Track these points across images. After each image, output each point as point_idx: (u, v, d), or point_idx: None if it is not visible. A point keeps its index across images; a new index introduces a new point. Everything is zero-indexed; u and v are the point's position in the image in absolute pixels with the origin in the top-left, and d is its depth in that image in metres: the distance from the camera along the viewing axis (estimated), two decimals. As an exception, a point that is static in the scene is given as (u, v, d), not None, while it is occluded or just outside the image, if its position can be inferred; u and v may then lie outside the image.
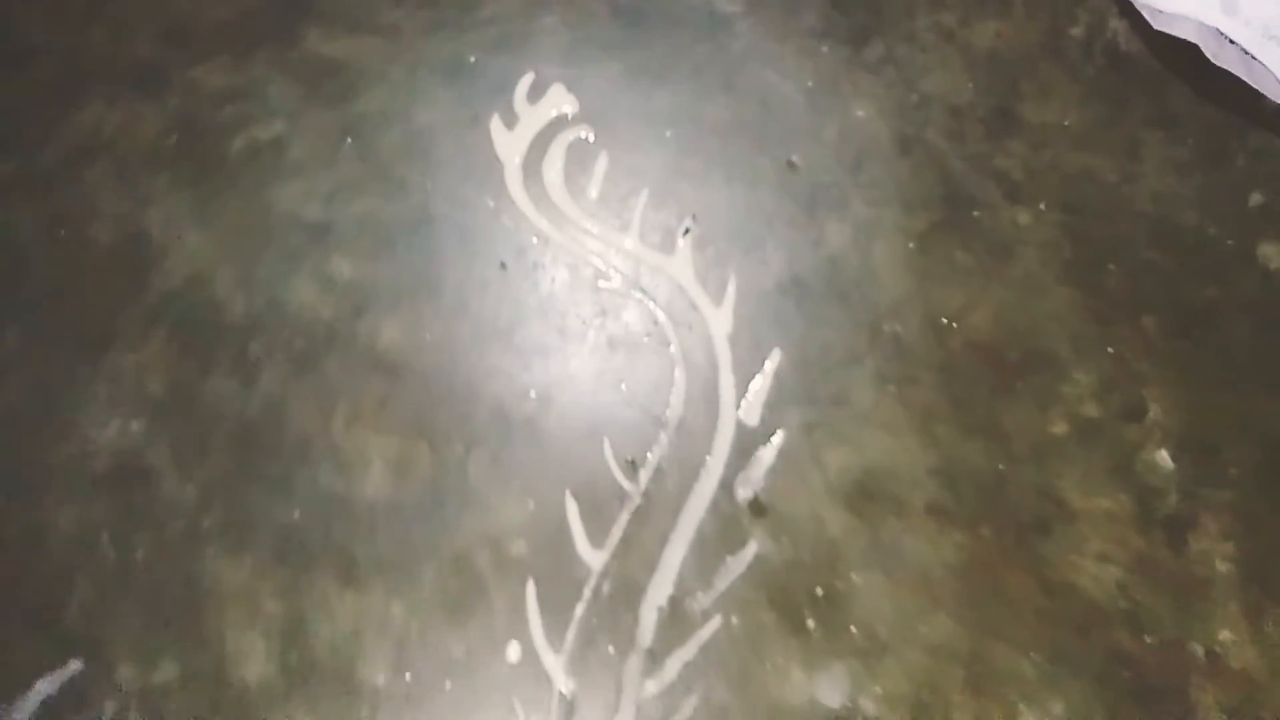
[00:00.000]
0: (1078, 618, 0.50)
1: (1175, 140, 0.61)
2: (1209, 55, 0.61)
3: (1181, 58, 0.61)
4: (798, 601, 0.50)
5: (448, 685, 0.49)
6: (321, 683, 0.48)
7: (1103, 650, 0.49)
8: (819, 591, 0.50)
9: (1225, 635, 0.49)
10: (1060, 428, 0.54)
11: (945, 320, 0.56)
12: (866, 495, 0.52)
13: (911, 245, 0.57)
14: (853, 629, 0.50)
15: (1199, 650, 0.49)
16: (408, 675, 0.49)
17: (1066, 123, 0.61)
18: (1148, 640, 0.50)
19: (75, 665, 0.48)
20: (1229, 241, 0.59)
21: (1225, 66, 0.61)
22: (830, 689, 0.49)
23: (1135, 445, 0.52)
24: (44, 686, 0.48)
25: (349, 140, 0.59)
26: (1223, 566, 0.50)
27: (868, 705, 0.48)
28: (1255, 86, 0.60)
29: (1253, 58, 0.60)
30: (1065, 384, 0.54)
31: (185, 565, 0.50)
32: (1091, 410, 0.53)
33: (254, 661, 0.49)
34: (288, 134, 0.59)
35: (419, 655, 0.49)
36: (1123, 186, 0.60)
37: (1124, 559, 0.51)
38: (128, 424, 0.53)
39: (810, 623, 0.50)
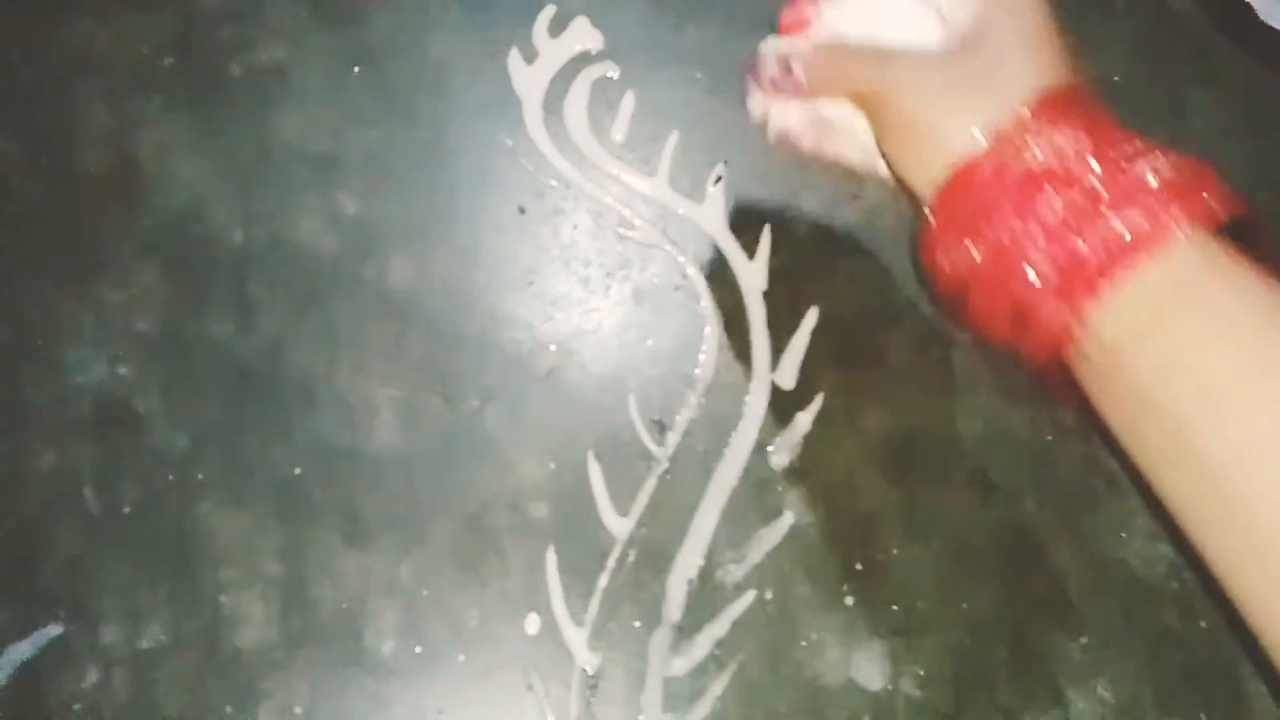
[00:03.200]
0: (1125, 597, 0.46)
1: (1223, 101, 0.56)
2: (1260, 13, 0.56)
3: (1231, 15, 0.55)
4: (835, 575, 0.46)
5: (460, 658, 0.43)
6: (323, 650, 0.43)
7: (1152, 631, 0.45)
8: (858, 565, 0.46)
9: (1279, 619, 0.45)
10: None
11: (989, 281, 0.50)
12: (907, 463, 0.48)
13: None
14: (893, 605, 0.45)
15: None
16: (417, 646, 0.43)
17: (1116, 78, 0.55)
18: (1200, 624, 0.45)
19: (55, 628, 0.42)
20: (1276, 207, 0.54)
21: (1276, 25, 0.56)
22: (869, 669, 0.44)
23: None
24: (21, 650, 0.42)
25: (357, 68, 0.52)
26: None
27: (908, 686, 0.44)
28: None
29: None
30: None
31: (176, 520, 0.45)
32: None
33: (250, 625, 0.43)
34: (291, 59, 0.53)
35: (429, 623, 0.44)
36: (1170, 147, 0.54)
37: (1175, 537, 0.47)
38: (114, 365, 0.47)
39: (849, 598, 0.45)
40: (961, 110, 0.31)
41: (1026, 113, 0.30)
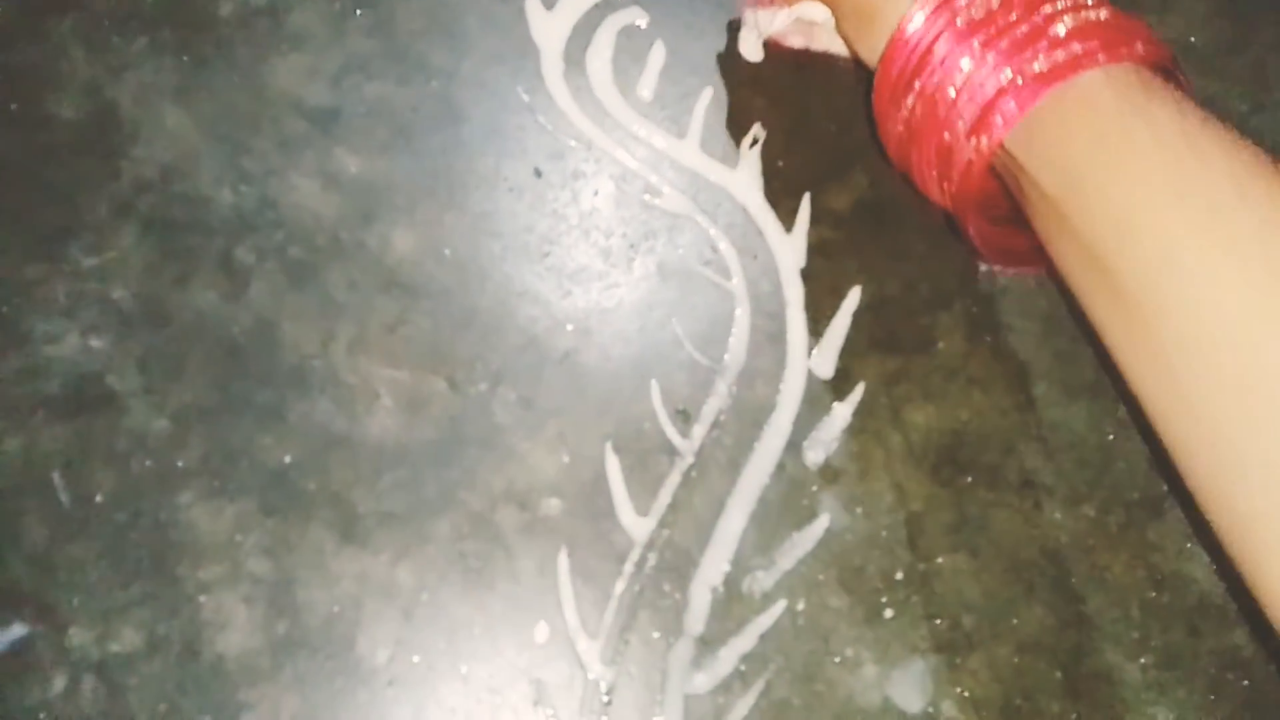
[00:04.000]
0: (1190, 615, 0.42)
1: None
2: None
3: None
4: (874, 585, 0.41)
5: (463, 669, 0.39)
6: (313, 658, 0.39)
7: (1216, 653, 0.41)
8: (898, 575, 0.41)
9: (1356, 643, 0.41)
10: (1176, 394, 0.44)
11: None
12: (954, 463, 0.43)
13: (1012, 172, 0.46)
14: (936, 620, 0.41)
15: (1324, 659, 0.41)
16: (415, 656, 0.39)
17: (1193, 39, 0.50)
18: (1270, 645, 0.41)
19: (19, 629, 0.38)
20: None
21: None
22: (908, 689, 0.40)
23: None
24: (-20, 651, 0.38)
25: (359, 11, 0.47)
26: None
27: (951, 710, 0.40)
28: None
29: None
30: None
31: (154, 512, 0.41)
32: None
33: (233, 630, 0.39)
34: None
35: (429, 630, 0.40)
36: (1252, 117, 0.49)
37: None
38: (87, 338, 0.42)
39: (888, 611, 0.41)
40: None
41: None
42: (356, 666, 0.39)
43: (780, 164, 0.47)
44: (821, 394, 0.44)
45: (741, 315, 0.45)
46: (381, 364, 0.43)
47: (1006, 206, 0.37)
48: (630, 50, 0.49)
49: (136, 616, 0.39)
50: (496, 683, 0.39)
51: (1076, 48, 0.30)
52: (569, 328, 0.44)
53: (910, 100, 0.34)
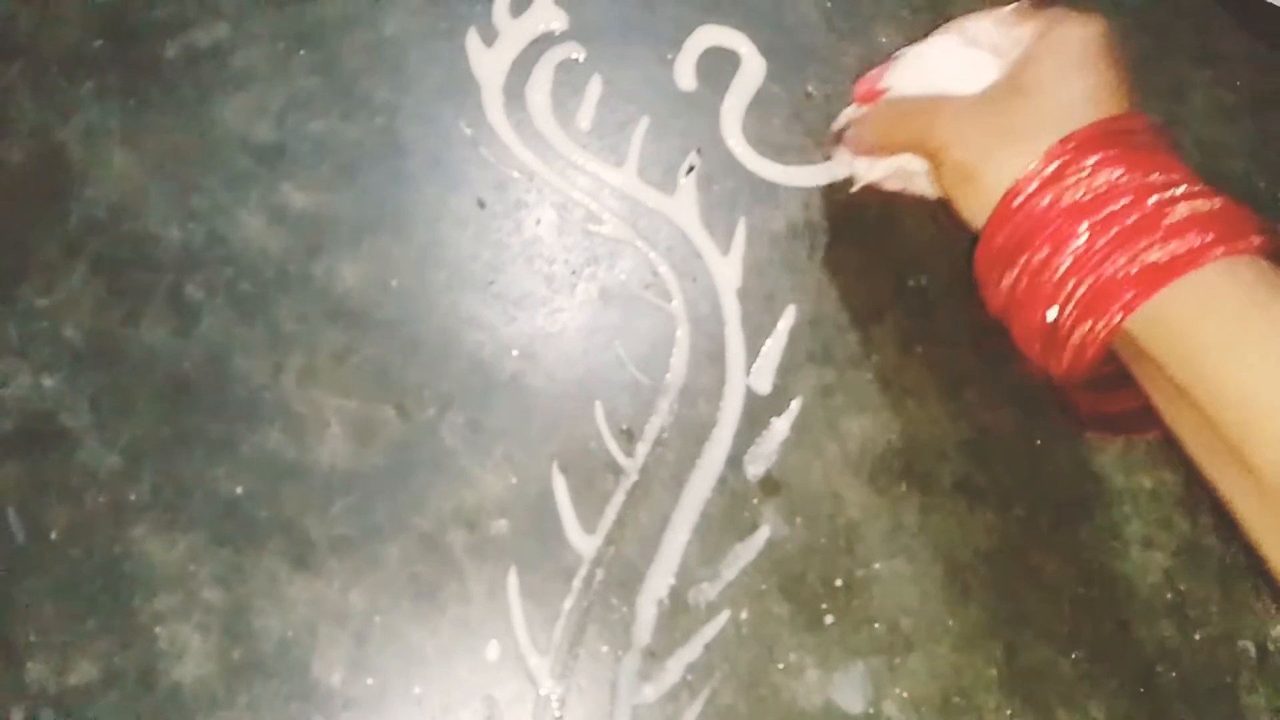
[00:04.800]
0: (1120, 610, 0.43)
1: (1223, 81, 0.53)
2: (1262, -12, 0.53)
3: (1233, -12, 0.52)
4: (814, 592, 0.42)
5: (416, 689, 0.40)
6: (268, 683, 0.39)
7: (1147, 646, 0.43)
8: (838, 581, 0.42)
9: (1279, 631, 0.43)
10: (1101, 398, 0.46)
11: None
12: (890, 470, 0.44)
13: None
14: (875, 623, 0.42)
15: (1250, 647, 0.43)
16: (369, 678, 0.40)
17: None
18: (1195, 636, 0.42)
19: (-26, 665, 0.38)
20: (1279, 194, 0.51)
21: (1277, 3, 0.52)
22: (850, 691, 0.41)
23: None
24: (-64, 689, 0.38)
25: (303, 50, 0.48)
26: None
27: (891, 709, 0.41)
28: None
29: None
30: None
31: (107, 545, 0.41)
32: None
33: (189, 659, 0.40)
34: (232, 39, 0.48)
35: (382, 653, 0.40)
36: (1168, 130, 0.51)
37: (1170, 544, 0.45)
38: (40, 376, 0.43)
39: (828, 617, 0.42)
40: (1003, 151, 0.33)
41: (1065, 149, 0.32)
42: (312, 690, 0.40)
43: (716, 188, 0.48)
44: (760, 409, 0.45)
45: (682, 336, 0.46)
46: (331, 393, 0.44)
47: (1110, 371, 0.35)
48: (569, 83, 0.50)
49: (93, 649, 0.40)
50: (449, 702, 0.40)
51: (1194, 239, 0.29)
52: (514, 353, 0.45)
53: (1015, 273, 0.33)
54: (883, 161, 0.41)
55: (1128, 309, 0.30)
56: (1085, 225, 0.31)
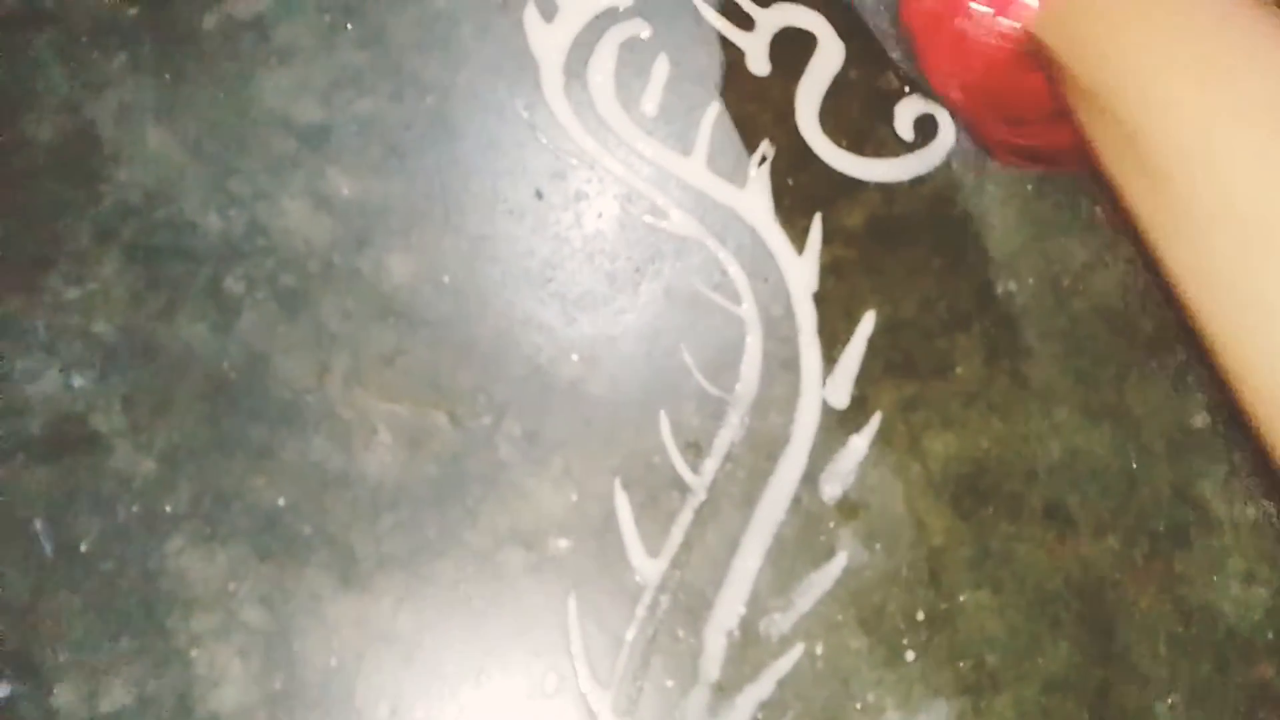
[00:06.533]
0: (1219, 650, 0.40)
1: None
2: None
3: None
4: (894, 625, 0.39)
5: (469, 723, 0.37)
6: (311, 713, 0.36)
7: (1246, 689, 0.39)
8: (919, 614, 0.39)
9: (1391, 678, 0.39)
10: (1201, 419, 0.42)
11: (1066, 281, 0.43)
12: (975, 493, 0.41)
13: (1029, 187, 0.44)
14: (960, 660, 0.38)
15: (1359, 694, 0.39)
16: (417, 709, 0.37)
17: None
18: (1301, 680, 0.39)
19: (1, 688, 0.35)
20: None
21: None
22: (932, 734, 0.37)
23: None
24: (-40, 712, 0.35)
25: (350, 24, 0.44)
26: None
27: (976, 755, 0.37)
28: None
29: None
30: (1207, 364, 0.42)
31: (141, 560, 0.38)
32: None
33: (227, 685, 0.37)
34: (275, 11, 0.44)
35: (432, 681, 0.37)
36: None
37: (1274, 580, 0.41)
38: (69, 375, 0.39)
39: (909, 653, 0.38)
40: None
41: None
42: (357, 721, 0.37)
43: (790, 182, 0.44)
44: (837, 423, 0.41)
45: (753, 342, 0.42)
46: (379, 398, 0.40)
47: (1026, 107, 0.36)
48: (633, 63, 0.46)
49: (125, 673, 0.37)
50: (504, 736, 0.37)
51: None
52: (574, 357, 0.41)
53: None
54: None
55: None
56: None
